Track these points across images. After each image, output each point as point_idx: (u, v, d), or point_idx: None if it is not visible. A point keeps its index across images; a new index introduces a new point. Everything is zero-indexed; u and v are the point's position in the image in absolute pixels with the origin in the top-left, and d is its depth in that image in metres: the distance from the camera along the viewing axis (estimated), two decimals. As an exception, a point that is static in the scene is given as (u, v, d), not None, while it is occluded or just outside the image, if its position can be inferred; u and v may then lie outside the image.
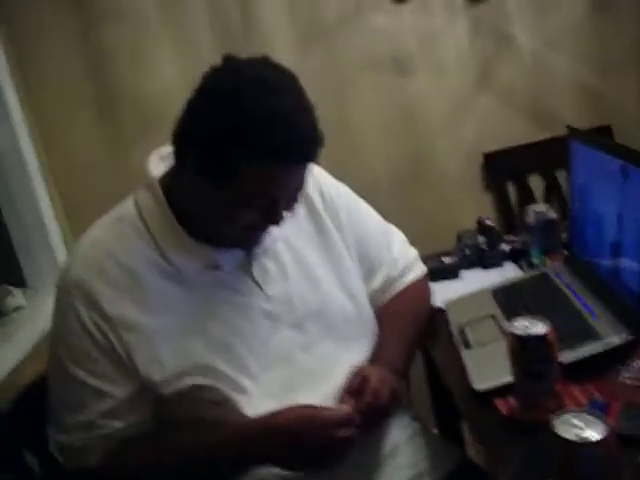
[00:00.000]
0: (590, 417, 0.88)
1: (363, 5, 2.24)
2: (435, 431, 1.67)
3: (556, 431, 0.86)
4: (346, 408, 1.14)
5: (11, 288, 2.06)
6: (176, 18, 2.16)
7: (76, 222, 2.24)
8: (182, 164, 1.16)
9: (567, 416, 0.89)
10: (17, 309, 2.04)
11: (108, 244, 1.19)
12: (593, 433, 0.85)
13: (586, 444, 0.85)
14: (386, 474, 1.26)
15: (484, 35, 2.30)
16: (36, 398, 1.26)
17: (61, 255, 2.18)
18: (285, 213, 1.16)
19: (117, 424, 1.16)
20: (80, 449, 1.18)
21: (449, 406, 1.29)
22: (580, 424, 0.87)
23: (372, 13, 2.24)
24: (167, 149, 1.23)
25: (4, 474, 1.23)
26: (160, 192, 1.20)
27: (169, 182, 1.21)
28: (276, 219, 1.16)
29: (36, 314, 1.99)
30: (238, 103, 1.06)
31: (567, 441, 0.85)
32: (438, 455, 1.35)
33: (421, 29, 2.27)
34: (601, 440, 0.84)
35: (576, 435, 0.85)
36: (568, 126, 1.50)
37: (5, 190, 2.11)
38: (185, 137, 1.14)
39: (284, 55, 2.19)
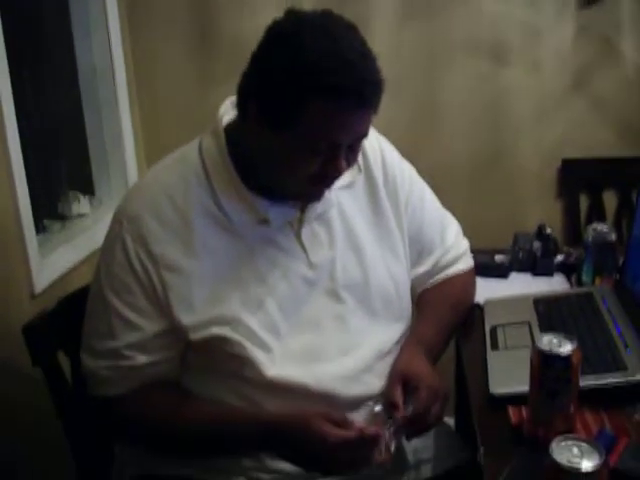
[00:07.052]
0: (591, 448, 0.88)
1: (471, -13, 2.20)
2: (451, 423, 1.68)
3: (552, 454, 0.87)
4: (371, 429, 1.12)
5: (79, 194, 2.13)
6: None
7: (152, 145, 2.34)
8: (245, 113, 1.17)
9: (568, 442, 0.89)
10: (81, 216, 2.11)
11: (168, 185, 1.22)
12: (587, 464, 0.86)
13: (576, 473, 0.85)
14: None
15: (589, 40, 2.23)
16: (80, 304, 1.30)
17: (132, 173, 2.26)
18: (346, 164, 1.17)
19: (142, 358, 1.20)
20: (105, 378, 1.22)
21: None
22: (578, 453, 0.87)
23: (480, -3, 2.21)
24: None
25: (36, 367, 1.30)
26: (223, 140, 1.22)
27: (234, 131, 1.23)
28: (338, 168, 1.16)
29: (97, 223, 2.05)
30: (301, 44, 1.07)
31: (558, 466, 0.86)
32: (445, 449, 1.35)
33: (526, 22, 2.22)
34: (591, 472, 0.85)
35: (569, 462, 0.86)
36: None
37: (92, 101, 2.19)
38: (248, 85, 1.15)
39: (383, 23, 2.21)
